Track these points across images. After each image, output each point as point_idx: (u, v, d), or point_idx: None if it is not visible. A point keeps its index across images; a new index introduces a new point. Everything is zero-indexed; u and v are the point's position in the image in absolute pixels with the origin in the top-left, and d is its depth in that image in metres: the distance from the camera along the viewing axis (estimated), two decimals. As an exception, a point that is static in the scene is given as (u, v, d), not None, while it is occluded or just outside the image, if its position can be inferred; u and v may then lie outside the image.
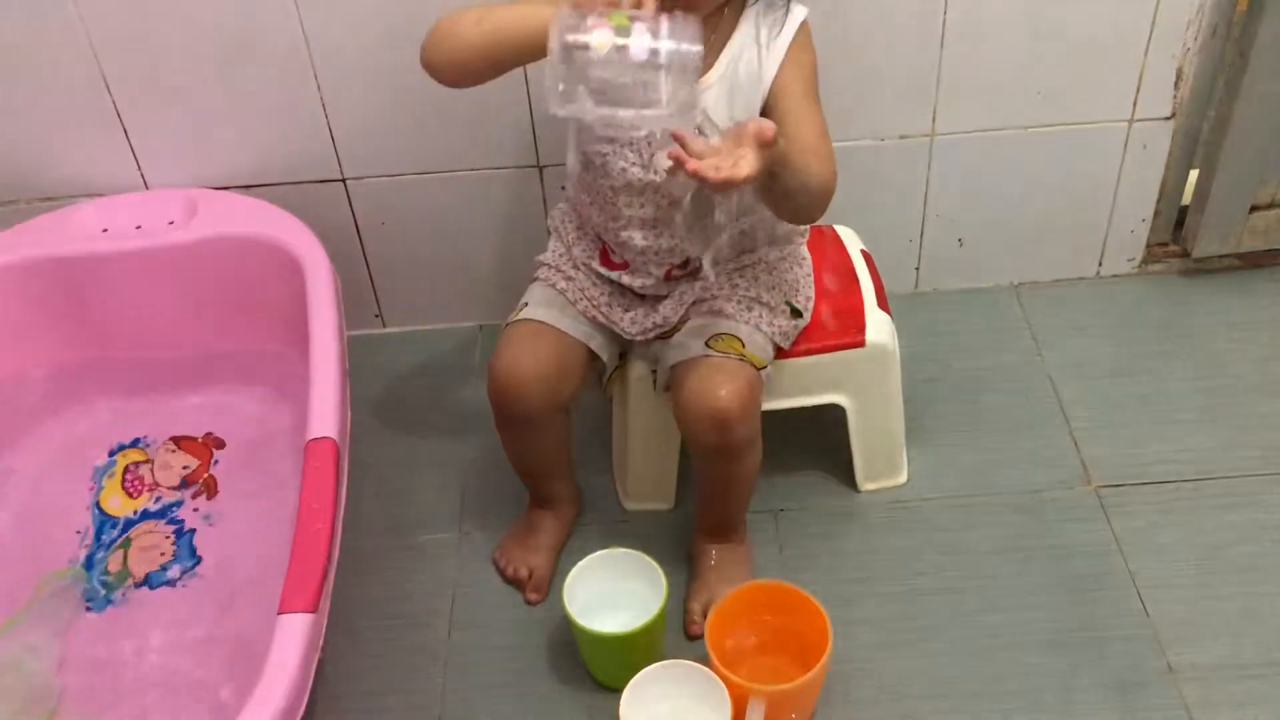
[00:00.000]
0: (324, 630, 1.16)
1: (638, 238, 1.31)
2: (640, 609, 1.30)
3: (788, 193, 1.16)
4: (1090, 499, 1.50)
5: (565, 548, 1.48)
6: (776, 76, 1.22)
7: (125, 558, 1.47)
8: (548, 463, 1.44)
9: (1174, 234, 1.78)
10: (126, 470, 1.57)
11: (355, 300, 1.71)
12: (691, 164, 1.04)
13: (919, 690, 1.33)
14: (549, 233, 1.43)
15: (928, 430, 1.58)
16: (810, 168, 1.15)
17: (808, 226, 1.42)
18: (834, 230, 1.55)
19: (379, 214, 1.67)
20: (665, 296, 1.36)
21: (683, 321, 1.35)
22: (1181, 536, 1.45)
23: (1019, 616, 1.38)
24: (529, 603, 1.44)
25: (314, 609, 1.12)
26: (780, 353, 1.38)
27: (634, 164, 1.26)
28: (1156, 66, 1.58)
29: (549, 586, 1.44)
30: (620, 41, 1.03)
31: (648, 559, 1.32)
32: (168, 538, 1.49)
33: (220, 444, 1.59)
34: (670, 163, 1.06)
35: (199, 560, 1.46)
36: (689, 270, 1.34)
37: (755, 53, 1.22)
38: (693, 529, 1.44)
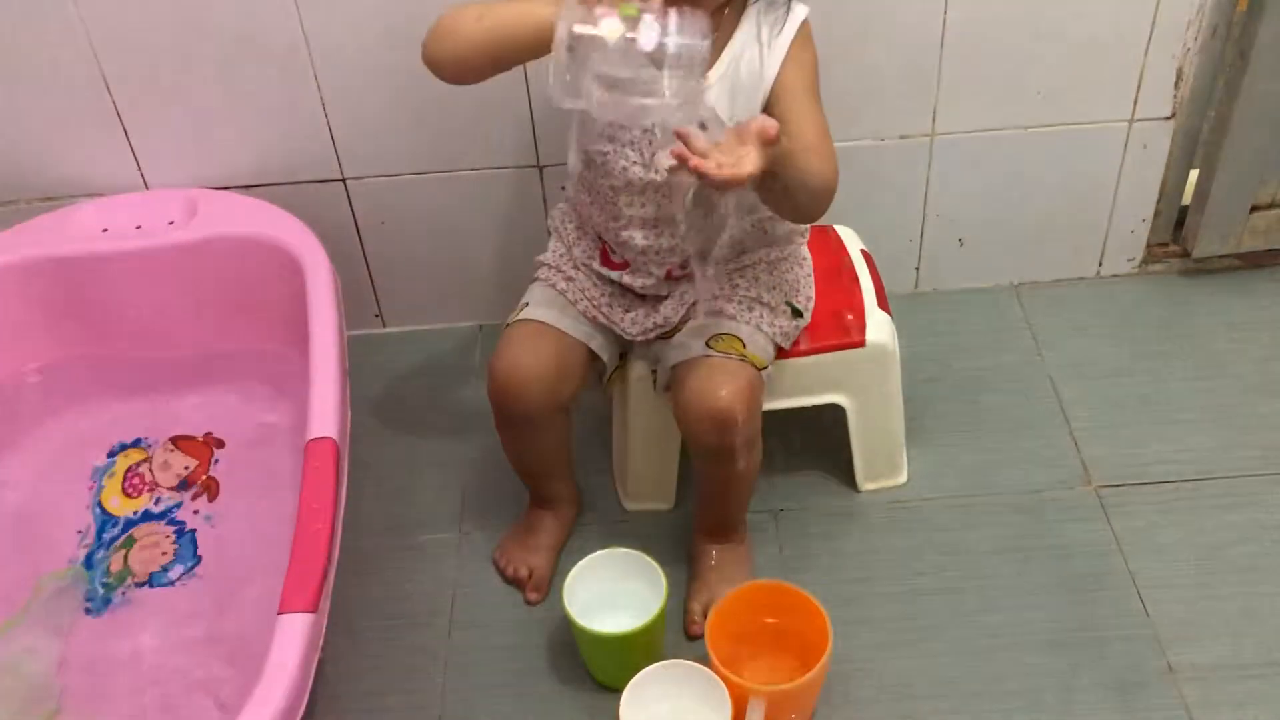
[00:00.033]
0: (324, 630, 1.16)
1: (638, 237, 1.30)
2: (640, 609, 1.30)
3: (789, 191, 1.16)
4: (1090, 499, 1.50)
5: (565, 548, 1.48)
6: (778, 75, 1.22)
7: (126, 558, 1.47)
8: (548, 463, 1.44)
9: (1174, 234, 1.78)
10: (127, 471, 1.57)
11: (355, 300, 1.71)
12: (694, 161, 1.04)
13: (919, 690, 1.33)
14: (549, 233, 1.43)
15: (928, 430, 1.58)
16: (812, 166, 1.15)
17: (808, 226, 1.42)
18: (834, 230, 1.55)
19: (379, 214, 1.67)
20: (666, 296, 1.36)
21: (683, 321, 1.35)
22: (1182, 536, 1.45)
23: (1019, 616, 1.38)
24: (529, 603, 1.44)
25: (314, 609, 1.12)
26: (780, 353, 1.38)
27: (635, 163, 1.26)
28: (1157, 66, 1.58)
29: (549, 586, 1.44)
30: (630, 34, 1.03)
31: (648, 559, 1.32)
32: (169, 538, 1.49)
33: (220, 444, 1.59)
34: (672, 162, 1.06)
35: (199, 560, 1.46)
36: (690, 270, 1.34)
37: (757, 51, 1.22)
38: (693, 529, 1.44)
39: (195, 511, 1.52)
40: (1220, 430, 1.56)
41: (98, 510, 1.52)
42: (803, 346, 1.40)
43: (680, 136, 1.05)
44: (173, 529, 1.50)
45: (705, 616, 1.32)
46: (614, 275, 1.36)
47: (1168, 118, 1.63)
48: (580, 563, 1.33)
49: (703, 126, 1.06)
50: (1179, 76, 1.59)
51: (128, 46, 1.49)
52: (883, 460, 1.52)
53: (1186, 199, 1.74)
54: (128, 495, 1.54)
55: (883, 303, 1.45)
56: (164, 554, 1.47)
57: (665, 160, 1.09)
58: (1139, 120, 1.63)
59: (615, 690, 1.26)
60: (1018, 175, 1.67)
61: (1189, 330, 1.70)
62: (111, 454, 1.58)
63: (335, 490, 1.22)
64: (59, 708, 1.31)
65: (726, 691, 1.22)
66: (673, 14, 1.04)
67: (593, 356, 1.37)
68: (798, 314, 1.38)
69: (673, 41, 1.03)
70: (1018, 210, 1.71)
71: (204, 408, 1.62)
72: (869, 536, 1.48)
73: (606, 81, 1.05)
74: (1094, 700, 1.31)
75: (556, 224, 1.42)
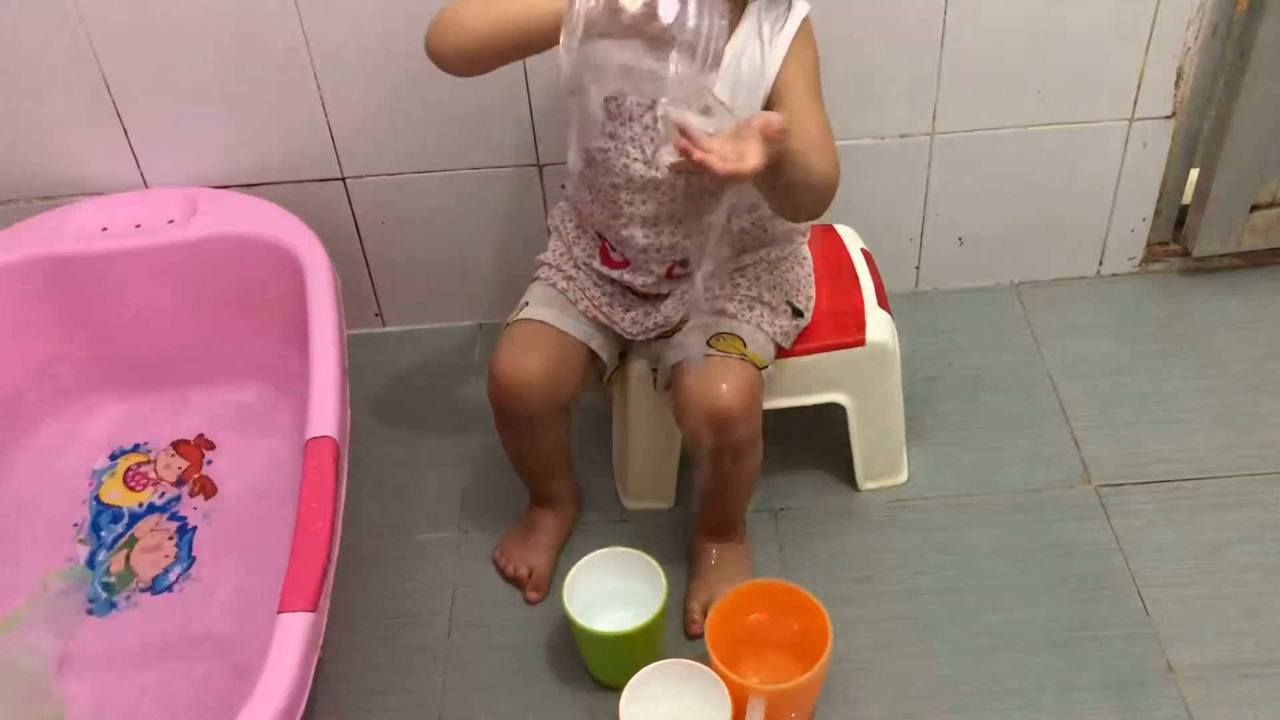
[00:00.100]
0: (324, 629, 1.16)
1: (639, 235, 1.30)
2: (640, 608, 1.30)
3: (790, 189, 1.16)
4: (1090, 498, 1.50)
5: (565, 547, 1.48)
6: (779, 72, 1.22)
7: (128, 558, 1.47)
8: (548, 462, 1.44)
9: (1174, 233, 1.78)
10: (128, 471, 1.57)
11: (355, 299, 1.71)
12: (698, 154, 1.03)
13: (919, 690, 1.33)
14: (549, 232, 1.43)
15: (928, 429, 1.58)
16: (813, 164, 1.15)
17: (809, 225, 1.42)
18: (834, 229, 1.55)
19: (379, 213, 1.67)
20: (666, 295, 1.36)
21: (684, 321, 1.35)
22: (1181, 536, 1.45)
23: (1019, 616, 1.38)
24: (529, 602, 1.44)
25: (314, 608, 1.12)
26: (781, 352, 1.38)
27: (636, 160, 1.26)
28: (1157, 65, 1.58)
29: (549, 585, 1.44)
30: (648, 2, 1.02)
31: (648, 558, 1.32)
32: (170, 538, 1.49)
33: (210, 445, 1.59)
34: (673, 158, 1.06)
35: (193, 560, 1.46)
36: (690, 269, 1.34)
37: (758, 48, 1.22)
38: (693, 528, 1.44)
39: (195, 509, 1.52)
40: (1220, 429, 1.56)
41: (94, 503, 1.53)
42: (803, 345, 1.40)
43: (682, 130, 1.05)
44: (175, 525, 1.50)
45: (705, 616, 1.31)
46: (614, 274, 1.36)
47: (1168, 117, 1.63)
48: (580, 562, 1.33)
49: (706, 112, 1.06)
50: (1179, 75, 1.59)
51: (128, 46, 1.49)
52: (883, 459, 1.52)
53: (1187, 198, 1.74)
54: (131, 488, 1.54)
55: (883, 302, 1.45)
56: (166, 555, 1.47)
57: (667, 157, 1.08)
58: (1139, 119, 1.63)
59: (615, 689, 1.25)
60: (1018, 174, 1.67)
61: (1189, 329, 1.70)
62: (113, 457, 1.58)
63: (335, 489, 1.22)
64: (63, 710, 1.31)
65: (726, 691, 1.22)
66: None
67: (593, 356, 1.37)
68: (798, 313, 1.38)
69: (691, 14, 1.02)
70: (1018, 209, 1.71)
71: (203, 406, 1.62)
72: (869, 536, 1.48)
73: (618, 54, 1.04)
74: (1094, 700, 1.31)
75: (556, 223, 1.42)
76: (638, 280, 1.35)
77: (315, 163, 1.61)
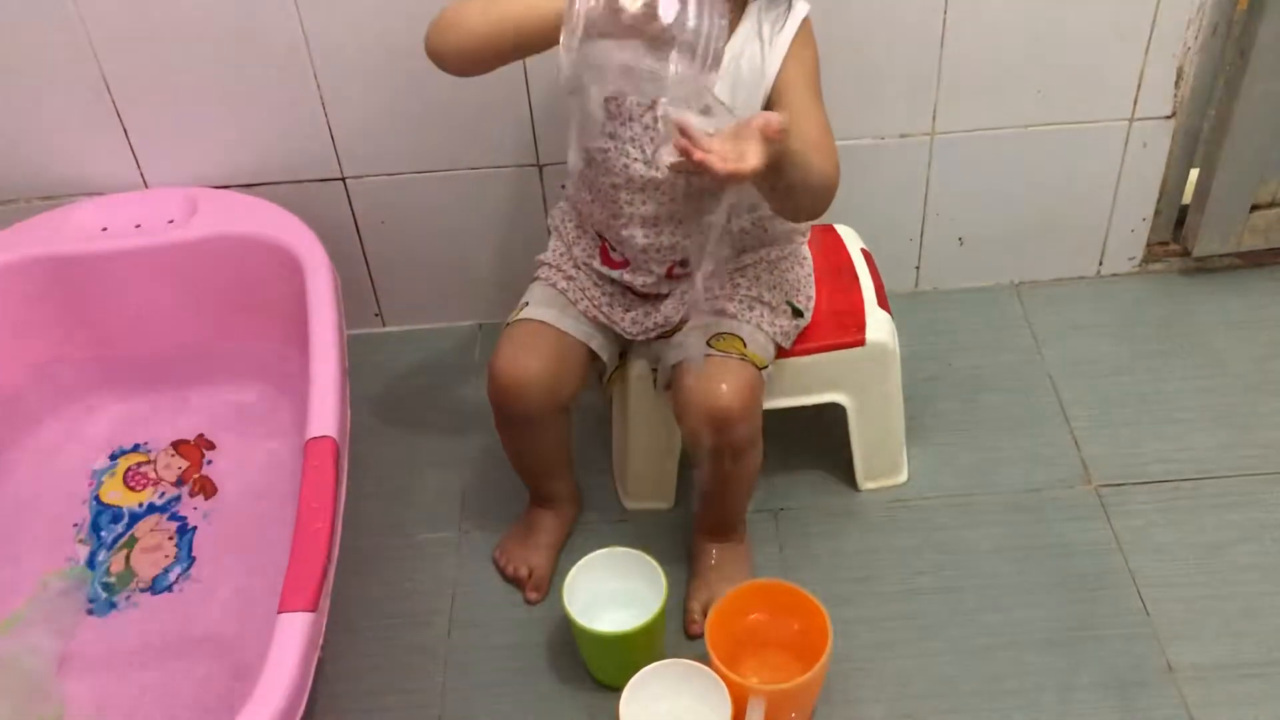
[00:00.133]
0: (324, 629, 1.16)
1: (639, 235, 1.30)
2: (640, 608, 1.30)
3: (790, 189, 1.16)
4: (1090, 498, 1.50)
5: (565, 547, 1.48)
6: (779, 72, 1.22)
7: (128, 558, 1.47)
8: (548, 462, 1.44)
9: (1174, 233, 1.78)
10: (127, 471, 1.57)
11: (355, 299, 1.71)
12: (698, 154, 1.03)
13: (919, 689, 1.33)
14: (549, 232, 1.43)
15: (928, 429, 1.58)
16: (813, 164, 1.15)
17: (809, 225, 1.42)
18: (834, 229, 1.55)
19: (379, 213, 1.67)
20: (666, 295, 1.36)
21: (684, 321, 1.35)
22: (1181, 535, 1.45)
23: (1019, 615, 1.38)
24: (529, 602, 1.44)
25: (314, 608, 1.12)
26: (781, 352, 1.38)
27: (636, 159, 1.26)
28: (1157, 65, 1.58)
29: (549, 585, 1.44)
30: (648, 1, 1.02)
31: (648, 558, 1.32)
32: (170, 538, 1.49)
33: (210, 445, 1.59)
34: (673, 158, 1.06)
35: (193, 560, 1.46)
36: (690, 269, 1.34)
37: (758, 48, 1.22)
38: (693, 528, 1.44)
39: (195, 509, 1.52)
40: (1220, 429, 1.56)
41: (94, 503, 1.53)
42: (803, 345, 1.40)
43: (682, 129, 1.05)
44: (175, 525, 1.50)
45: (705, 615, 1.32)
46: (614, 274, 1.36)
47: (1168, 117, 1.63)
48: (580, 562, 1.33)
49: (706, 112, 1.06)
50: (1179, 75, 1.59)
51: (128, 46, 1.49)
52: (883, 459, 1.52)
53: (1187, 198, 1.74)
54: (131, 488, 1.54)
55: (883, 302, 1.45)
56: (166, 556, 1.47)
57: (667, 157, 1.08)
58: (1139, 119, 1.63)
59: (615, 689, 1.25)
60: (1018, 174, 1.67)
61: (1189, 329, 1.70)
62: (113, 457, 1.58)
63: (335, 489, 1.22)
64: (63, 710, 1.31)
65: (726, 691, 1.21)
66: None
67: (593, 356, 1.37)
68: (798, 313, 1.38)
69: (691, 14, 1.02)
70: (1018, 209, 1.71)
71: (203, 406, 1.62)
72: (869, 536, 1.48)
73: (618, 54, 1.04)
74: (1093, 700, 1.31)
75: (556, 223, 1.42)
76: (638, 280, 1.35)
77: (315, 163, 1.61)
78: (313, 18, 1.48)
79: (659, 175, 1.25)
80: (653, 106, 1.22)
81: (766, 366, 1.33)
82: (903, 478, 1.53)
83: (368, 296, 1.75)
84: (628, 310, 1.37)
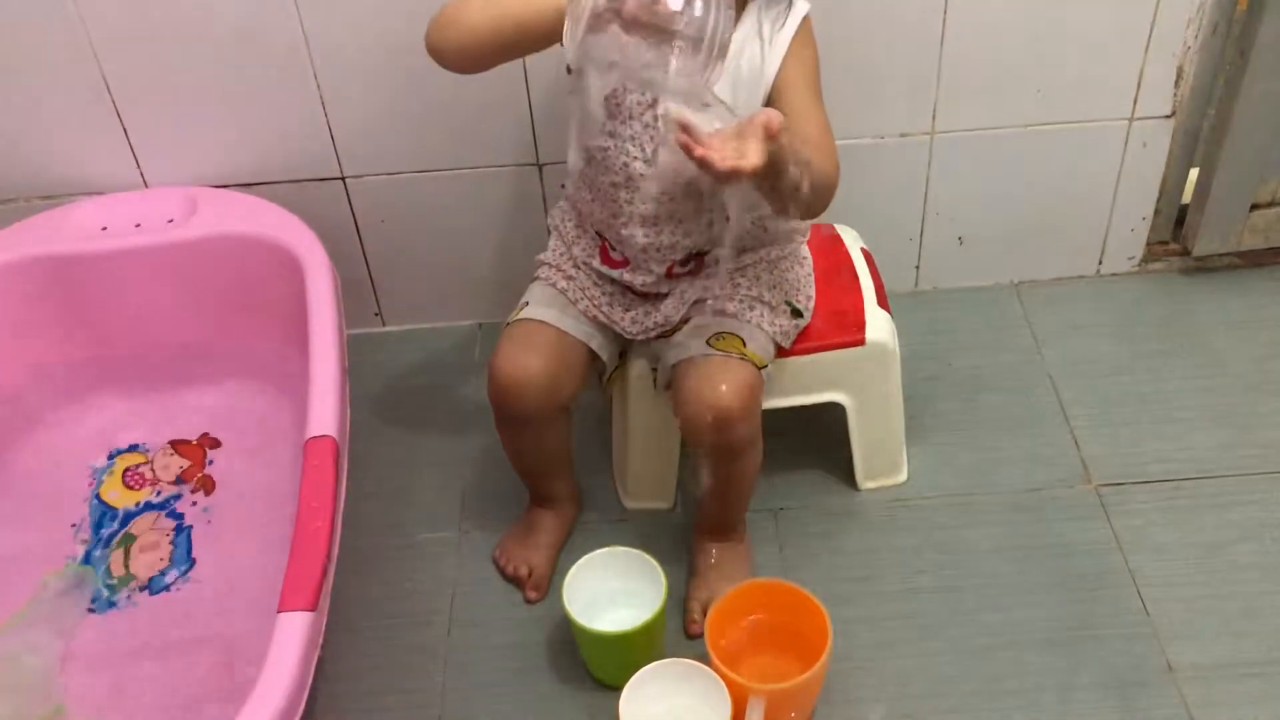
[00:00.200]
0: (323, 629, 1.16)
1: (639, 234, 1.30)
2: (640, 608, 1.30)
3: (790, 188, 1.15)
4: (1090, 497, 1.50)
5: (565, 546, 1.48)
6: (779, 71, 1.22)
7: (127, 558, 1.47)
8: (548, 462, 1.44)
9: (1174, 232, 1.78)
10: (126, 471, 1.57)
11: (355, 299, 1.71)
12: (699, 150, 1.03)
13: (919, 689, 1.33)
14: (549, 231, 1.43)
15: (928, 429, 1.58)
16: (813, 163, 1.15)
17: (808, 225, 1.42)
18: (834, 229, 1.55)
19: (379, 212, 1.67)
20: (666, 295, 1.36)
21: (684, 321, 1.35)
22: (1181, 535, 1.45)
23: (1018, 615, 1.38)
24: (529, 601, 1.44)
25: (313, 607, 1.12)
26: (780, 351, 1.38)
27: (636, 158, 1.26)
28: (1157, 64, 1.58)
29: (549, 585, 1.44)
30: None
31: (647, 558, 1.32)
32: (167, 535, 1.49)
33: (215, 444, 1.59)
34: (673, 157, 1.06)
35: (193, 563, 1.46)
36: (690, 268, 1.34)
37: (758, 47, 1.22)
38: (693, 527, 1.44)
39: (194, 505, 1.52)
40: (1220, 429, 1.56)
41: (95, 502, 1.53)
42: (802, 345, 1.40)
43: (683, 127, 1.05)
44: (172, 523, 1.50)
45: (705, 615, 1.31)
46: (614, 273, 1.36)
47: (1168, 116, 1.63)
48: (580, 561, 1.33)
49: (707, 110, 1.06)
50: (1179, 75, 1.59)
51: (128, 46, 1.49)
52: (883, 459, 1.52)
53: (1186, 197, 1.74)
54: (129, 487, 1.54)
55: (882, 301, 1.45)
56: (162, 558, 1.47)
57: (666, 157, 1.08)
58: (1139, 119, 1.63)
59: (615, 689, 1.25)
60: (1017, 174, 1.67)
61: (1189, 329, 1.70)
62: (111, 457, 1.58)
63: (335, 489, 1.22)
64: (64, 706, 1.31)
65: (726, 690, 1.21)
66: None
67: (593, 356, 1.37)
68: (798, 313, 1.38)
69: (699, 3, 1.02)
70: (1017, 209, 1.71)
71: (203, 406, 1.62)
72: (869, 535, 1.48)
73: (621, 47, 1.03)
74: (1093, 699, 1.31)
75: (556, 222, 1.42)
76: (637, 279, 1.35)
77: (315, 162, 1.61)
78: (313, 18, 1.48)
79: (652, 171, 1.25)
80: (653, 105, 1.22)
81: (766, 366, 1.33)
82: (903, 477, 1.53)
83: (368, 296, 1.75)
84: (627, 310, 1.37)
